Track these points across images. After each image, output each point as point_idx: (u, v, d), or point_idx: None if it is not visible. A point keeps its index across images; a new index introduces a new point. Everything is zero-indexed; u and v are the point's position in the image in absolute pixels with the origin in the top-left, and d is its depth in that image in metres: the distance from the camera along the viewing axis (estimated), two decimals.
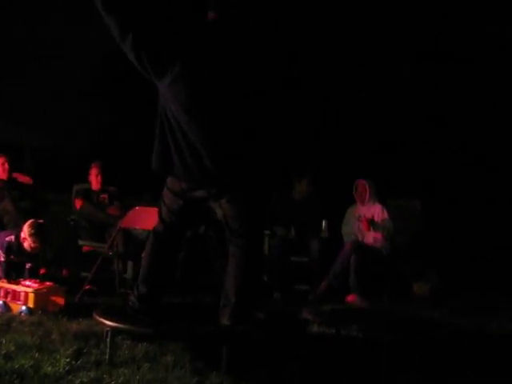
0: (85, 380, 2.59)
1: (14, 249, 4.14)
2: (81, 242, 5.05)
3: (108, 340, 2.92)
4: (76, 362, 2.82)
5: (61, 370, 2.69)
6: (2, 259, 4.12)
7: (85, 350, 3.01)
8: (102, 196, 5.37)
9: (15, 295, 3.88)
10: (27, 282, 3.99)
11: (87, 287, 4.43)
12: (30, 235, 4.09)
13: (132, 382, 2.59)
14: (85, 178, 5.47)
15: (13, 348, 2.96)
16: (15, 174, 5.18)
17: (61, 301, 4.01)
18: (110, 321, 2.93)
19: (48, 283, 4.07)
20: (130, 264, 4.93)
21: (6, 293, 3.90)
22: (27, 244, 4.11)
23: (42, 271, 4.37)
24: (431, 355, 3.20)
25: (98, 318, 3.01)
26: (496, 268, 5.74)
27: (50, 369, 2.69)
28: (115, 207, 5.31)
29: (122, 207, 5.28)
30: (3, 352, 2.90)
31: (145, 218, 4.39)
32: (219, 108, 2.82)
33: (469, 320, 4.29)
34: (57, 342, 3.12)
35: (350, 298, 4.87)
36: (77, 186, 5.53)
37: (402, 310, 4.49)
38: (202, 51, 2.85)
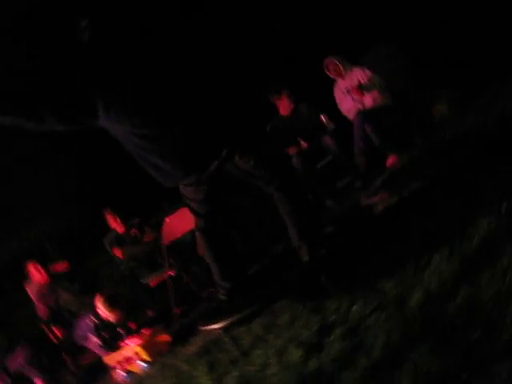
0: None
1: (101, 327, 4.25)
2: (145, 281, 5.12)
3: (227, 339, 3.00)
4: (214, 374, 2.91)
5: None
6: (98, 341, 4.23)
7: (215, 360, 3.09)
8: (131, 232, 5.41)
9: (128, 359, 3.99)
10: (129, 342, 4.10)
11: (176, 311, 4.53)
12: (109, 311, 4.20)
13: (274, 356, 2.65)
14: (107, 228, 5.52)
15: None
16: (52, 268, 5.25)
17: (166, 337, 4.11)
18: (217, 323, 2.99)
19: (145, 331, 4.17)
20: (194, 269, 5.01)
21: (120, 362, 4.02)
22: (111, 318, 4.22)
23: (132, 325, 4.48)
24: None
25: (205, 328, 3.09)
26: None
27: None
28: (148, 233, 5.36)
29: (153, 229, 5.34)
30: None
31: (180, 223, 4.44)
32: (165, 87, 2.73)
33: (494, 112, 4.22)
34: (191, 371, 3.20)
35: (389, 161, 4.88)
36: (105, 239, 5.57)
37: (439, 140, 4.47)
38: (101, 66, 2.74)
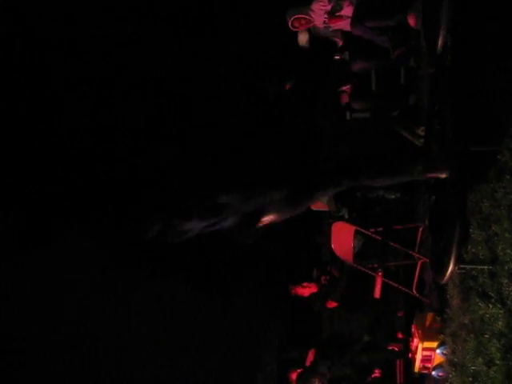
0: None
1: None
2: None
3: (467, 268, 3.00)
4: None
5: None
6: None
7: (480, 289, 3.02)
8: (324, 282, 5.46)
9: (425, 359, 3.98)
10: (414, 346, 4.13)
11: (415, 291, 4.46)
12: None
13: None
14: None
15: None
16: None
17: (430, 317, 4.06)
18: (448, 266, 2.99)
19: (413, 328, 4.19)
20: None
21: (424, 368, 4.02)
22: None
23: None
24: None
25: (444, 280, 3.09)
26: None
27: None
28: (333, 269, 5.45)
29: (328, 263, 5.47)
30: None
31: (342, 239, 4.50)
32: None
33: None
34: (475, 315, 3.11)
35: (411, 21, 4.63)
36: (315, 307, 5.70)
37: None
38: None
